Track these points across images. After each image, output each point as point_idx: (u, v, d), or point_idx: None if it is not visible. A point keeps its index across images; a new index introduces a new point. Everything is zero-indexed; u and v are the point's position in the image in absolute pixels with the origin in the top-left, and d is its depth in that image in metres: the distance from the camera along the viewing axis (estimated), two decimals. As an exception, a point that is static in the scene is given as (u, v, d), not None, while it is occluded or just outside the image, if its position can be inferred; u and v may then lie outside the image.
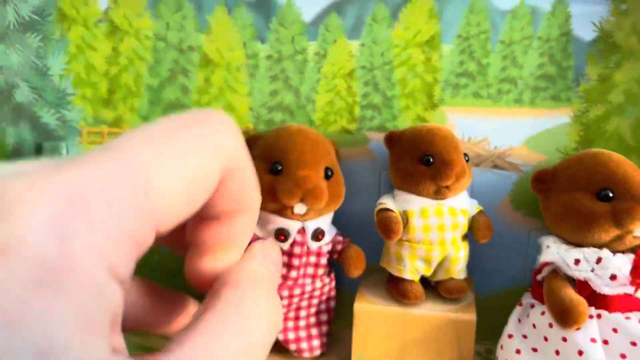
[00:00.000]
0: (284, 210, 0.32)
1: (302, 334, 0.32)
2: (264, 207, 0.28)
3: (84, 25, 0.48)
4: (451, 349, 0.43)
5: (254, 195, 0.19)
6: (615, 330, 0.38)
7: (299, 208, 0.31)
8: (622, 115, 0.44)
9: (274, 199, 0.32)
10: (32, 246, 0.14)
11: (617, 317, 0.38)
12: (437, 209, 0.42)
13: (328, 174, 0.34)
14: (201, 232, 0.19)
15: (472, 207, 0.43)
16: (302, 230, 0.32)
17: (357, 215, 0.48)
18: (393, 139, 0.43)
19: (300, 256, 0.32)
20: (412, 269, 0.43)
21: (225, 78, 0.48)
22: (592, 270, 0.38)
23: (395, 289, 0.43)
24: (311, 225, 0.33)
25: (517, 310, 0.42)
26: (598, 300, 0.38)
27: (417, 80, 0.46)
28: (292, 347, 0.31)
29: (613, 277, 0.38)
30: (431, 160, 0.41)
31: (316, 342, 0.33)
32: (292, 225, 0.32)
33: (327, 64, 0.47)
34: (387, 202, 0.43)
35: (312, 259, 0.33)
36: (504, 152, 0.46)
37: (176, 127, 0.17)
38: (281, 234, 0.32)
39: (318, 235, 0.33)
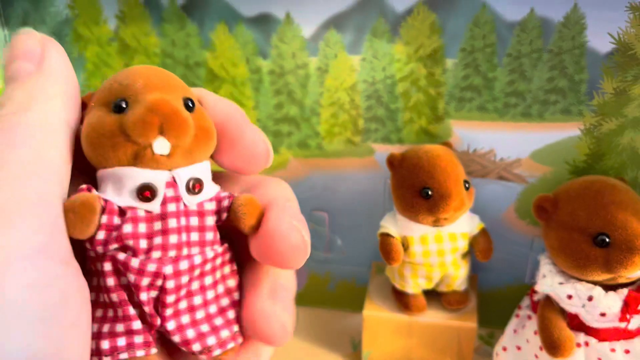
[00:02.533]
0: (140, 156, 0.20)
1: (204, 327, 0.21)
2: (113, 160, 0.20)
3: (97, 44, 0.46)
4: (452, 351, 0.44)
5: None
6: (600, 359, 0.37)
7: (160, 145, 0.20)
8: (638, 129, 0.39)
9: (125, 140, 0.20)
10: None
11: (604, 347, 0.37)
12: (436, 235, 0.40)
13: (188, 105, 0.21)
14: None
15: (473, 225, 0.41)
16: (171, 183, 0.21)
17: (364, 220, 0.47)
18: (394, 164, 0.41)
19: (177, 215, 0.21)
20: (414, 284, 0.42)
21: (231, 92, 0.45)
22: (583, 306, 0.36)
23: (400, 301, 0.43)
24: (183, 174, 0.21)
25: (514, 320, 0.42)
26: (588, 329, 0.37)
27: (420, 94, 0.42)
28: (196, 347, 0.21)
29: (603, 314, 0.36)
30: (430, 193, 0.38)
31: (226, 333, 0.22)
32: (158, 177, 0.21)
33: (329, 78, 0.43)
34: (389, 226, 0.41)
35: (194, 221, 0.21)
36: (510, 164, 0.43)
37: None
38: (146, 190, 0.20)
39: (194, 186, 0.21)
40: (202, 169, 0.21)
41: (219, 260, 0.22)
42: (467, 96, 0.41)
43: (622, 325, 0.37)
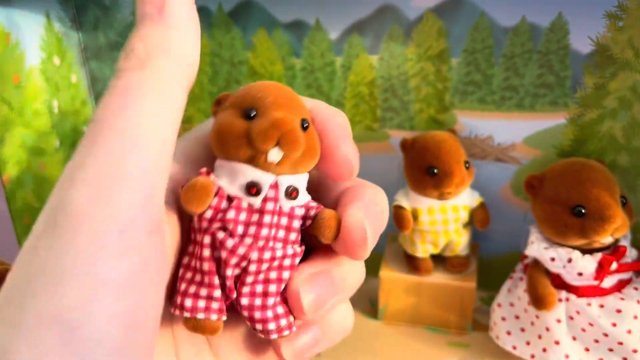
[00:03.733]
0: (256, 159, 0.23)
1: (269, 313, 0.25)
2: (234, 156, 0.23)
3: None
4: (455, 307, 0.50)
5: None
6: (578, 312, 0.43)
7: (274, 154, 0.23)
8: (615, 118, 0.45)
9: (247, 144, 0.23)
10: None
11: (581, 302, 0.43)
12: (441, 207, 0.47)
13: (304, 125, 0.24)
14: None
15: (473, 199, 0.48)
16: (274, 185, 0.24)
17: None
18: (406, 147, 0.47)
19: (272, 213, 0.24)
20: (422, 249, 0.49)
21: (270, 87, 0.52)
22: (564, 267, 0.42)
23: (410, 264, 0.50)
24: (285, 181, 0.24)
25: (508, 282, 0.48)
26: (568, 286, 0.43)
27: (430, 88, 0.48)
28: (258, 327, 0.25)
29: (580, 274, 0.42)
30: (435, 171, 0.45)
31: (284, 322, 0.25)
32: (265, 179, 0.24)
33: (352, 75, 0.50)
34: (401, 199, 0.48)
35: (284, 221, 0.25)
36: (506, 148, 0.49)
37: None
38: (253, 187, 0.24)
39: (292, 192, 0.24)
40: (301, 180, 0.24)
41: (297, 260, 0.25)
42: (469, 90, 0.48)
43: (596, 283, 0.42)
